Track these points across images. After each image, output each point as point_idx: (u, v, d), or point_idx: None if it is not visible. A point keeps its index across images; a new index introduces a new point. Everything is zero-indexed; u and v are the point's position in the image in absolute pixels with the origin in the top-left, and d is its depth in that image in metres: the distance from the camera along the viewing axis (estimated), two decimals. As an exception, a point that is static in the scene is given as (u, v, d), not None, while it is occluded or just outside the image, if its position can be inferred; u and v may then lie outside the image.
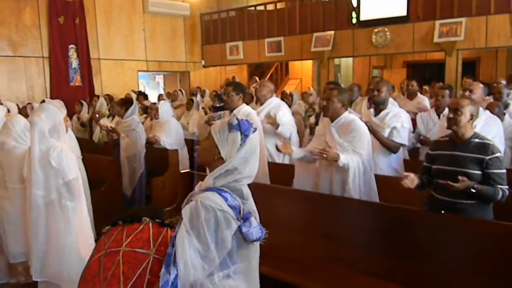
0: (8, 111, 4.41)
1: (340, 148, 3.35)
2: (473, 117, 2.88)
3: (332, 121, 3.48)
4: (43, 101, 6.22)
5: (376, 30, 9.27)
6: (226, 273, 1.75)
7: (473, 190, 2.72)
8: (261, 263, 1.92)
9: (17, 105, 6.48)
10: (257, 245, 1.83)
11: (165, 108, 5.90)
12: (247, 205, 1.80)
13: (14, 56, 9.45)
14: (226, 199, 1.71)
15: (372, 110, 4.14)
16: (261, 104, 4.85)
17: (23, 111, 5.18)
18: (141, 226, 1.83)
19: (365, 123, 3.55)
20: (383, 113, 4.02)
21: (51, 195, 2.93)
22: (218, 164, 1.78)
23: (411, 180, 2.89)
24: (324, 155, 3.22)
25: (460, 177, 2.71)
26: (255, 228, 1.74)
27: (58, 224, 2.95)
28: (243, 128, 1.79)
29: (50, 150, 2.89)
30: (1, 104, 6.04)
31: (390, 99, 4.20)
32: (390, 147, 3.90)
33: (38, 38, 9.78)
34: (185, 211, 1.71)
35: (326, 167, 3.47)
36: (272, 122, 4.64)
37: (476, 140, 2.86)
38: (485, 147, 2.81)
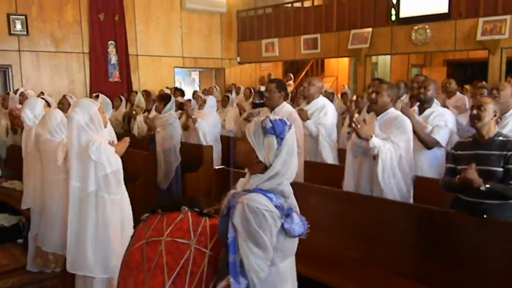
0: (49, 105, 4.51)
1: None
2: (496, 114, 2.89)
3: (377, 115, 3.44)
4: (97, 95, 6.40)
5: (416, 27, 9.03)
6: (273, 271, 1.74)
7: (482, 189, 2.68)
8: (296, 262, 1.90)
9: (64, 95, 6.64)
10: (296, 240, 1.82)
11: (212, 103, 6.23)
12: (289, 201, 1.79)
13: (56, 51, 9.74)
14: (271, 200, 1.70)
15: (416, 108, 4.01)
16: (308, 103, 4.76)
17: (65, 102, 5.31)
18: (181, 216, 1.86)
19: (401, 111, 3.50)
20: (427, 112, 3.90)
21: (89, 187, 2.99)
22: (258, 167, 1.77)
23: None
24: (359, 126, 3.18)
25: (469, 167, 2.68)
26: (297, 224, 1.73)
27: (95, 217, 3.01)
28: (278, 131, 1.75)
29: (90, 144, 2.94)
30: (43, 97, 6.23)
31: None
32: (425, 141, 3.76)
33: (79, 34, 10.04)
34: (236, 219, 1.69)
35: (367, 165, 3.40)
36: (303, 115, 4.53)
37: (500, 138, 2.87)
38: (508, 143, 2.80)
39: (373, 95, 3.42)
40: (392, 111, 3.42)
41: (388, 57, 12.26)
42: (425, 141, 3.76)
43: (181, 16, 11.77)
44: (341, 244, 3.31)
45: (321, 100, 4.81)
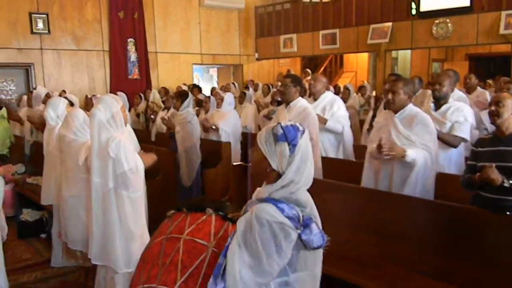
0: (72, 104, 4.57)
1: (406, 141, 3.21)
2: None
3: (395, 112, 3.34)
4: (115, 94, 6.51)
5: (437, 21, 8.88)
6: (284, 281, 1.69)
7: (506, 185, 2.63)
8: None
9: (86, 96, 6.81)
10: (319, 253, 1.77)
11: (229, 100, 6.17)
12: (307, 211, 1.72)
13: (77, 50, 9.88)
14: (282, 210, 1.63)
15: (432, 104, 3.93)
16: (315, 99, 4.77)
17: (89, 102, 5.43)
18: (204, 217, 1.83)
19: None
20: (444, 107, 3.82)
21: (108, 183, 3.03)
22: (272, 176, 1.72)
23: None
24: (393, 152, 3.09)
25: (489, 165, 2.63)
26: (316, 236, 1.66)
27: (114, 212, 3.06)
28: (289, 138, 1.68)
29: (109, 141, 2.98)
30: (66, 95, 6.34)
31: (460, 93, 3.98)
32: (450, 142, 3.70)
33: (99, 32, 10.16)
34: (240, 223, 1.66)
35: (386, 163, 3.35)
36: (320, 119, 4.49)
37: None
38: None
39: (390, 96, 3.32)
40: (410, 108, 3.33)
41: (409, 51, 12.09)
42: (450, 142, 3.70)
43: (199, 13, 11.81)
44: (360, 241, 3.28)
45: (329, 94, 4.81)
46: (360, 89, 8.97)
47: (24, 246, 4.92)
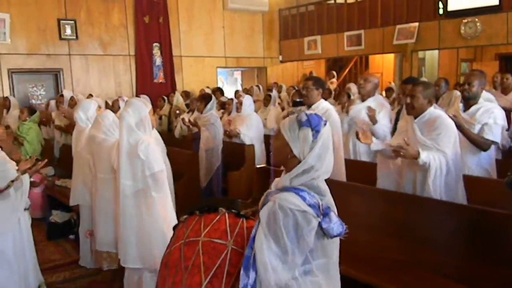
0: (99, 106, 4.68)
1: (423, 146, 3.14)
2: None
3: (415, 117, 3.27)
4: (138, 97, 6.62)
5: (465, 20, 8.69)
6: (308, 268, 1.72)
7: None
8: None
9: (106, 101, 6.95)
10: (337, 240, 1.79)
11: (248, 103, 6.07)
12: (325, 200, 1.75)
13: (104, 54, 10.06)
14: (304, 199, 1.67)
15: (461, 104, 3.84)
16: (363, 101, 4.64)
17: (115, 104, 5.52)
18: (218, 217, 1.86)
19: (451, 117, 3.30)
20: (473, 108, 3.72)
21: (138, 185, 3.08)
22: (293, 163, 1.75)
23: None
24: (402, 152, 3.03)
25: None
26: (335, 224, 1.69)
27: (144, 213, 3.10)
28: (313, 124, 1.74)
29: (139, 143, 3.03)
30: (92, 98, 6.47)
31: (488, 94, 3.87)
32: (479, 144, 3.60)
33: (125, 37, 10.33)
34: (263, 213, 1.69)
35: (409, 166, 3.28)
36: (372, 116, 4.39)
37: None
38: None
39: (408, 100, 3.25)
40: (431, 112, 3.24)
41: (436, 52, 11.86)
42: (479, 145, 3.61)
43: (223, 16, 11.88)
44: (384, 244, 3.24)
45: (377, 99, 4.66)
46: (387, 90, 8.85)
47: (53, 247, 5.03)
